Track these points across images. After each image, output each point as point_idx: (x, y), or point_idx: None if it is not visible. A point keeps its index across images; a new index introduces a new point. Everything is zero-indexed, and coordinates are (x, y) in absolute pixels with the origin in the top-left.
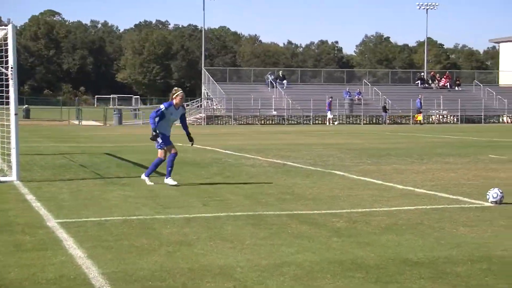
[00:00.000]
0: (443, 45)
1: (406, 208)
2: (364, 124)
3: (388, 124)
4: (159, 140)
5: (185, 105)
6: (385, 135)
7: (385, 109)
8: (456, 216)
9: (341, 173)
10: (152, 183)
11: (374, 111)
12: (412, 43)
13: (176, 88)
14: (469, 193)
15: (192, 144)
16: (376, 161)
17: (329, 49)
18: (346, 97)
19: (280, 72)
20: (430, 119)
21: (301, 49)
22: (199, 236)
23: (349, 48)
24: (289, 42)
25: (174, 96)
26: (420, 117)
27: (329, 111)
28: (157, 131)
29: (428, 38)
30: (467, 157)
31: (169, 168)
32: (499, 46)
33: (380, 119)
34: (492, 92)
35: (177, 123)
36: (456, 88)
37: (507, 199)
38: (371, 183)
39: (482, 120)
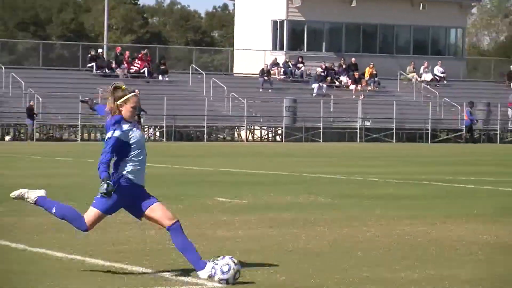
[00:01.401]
0: (138, 1)
1: None
2: None
3: (37, 140)
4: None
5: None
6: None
7: (31, 113)
8: None
9: None
10: None
11: (13, 117)
12: None
13: (121, 85)
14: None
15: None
16: None
17: None
18: None
19: None
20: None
21: None
22: None
23: None
24: None
25: (121, 103)
26: None
27: None
28: (111, 184)
29: None
30: (181, 202)
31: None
32: (234, 4)
33: (22, 131)
34: (222, 86)
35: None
36: (161, 78)
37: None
38: None
39: (205, 135)
